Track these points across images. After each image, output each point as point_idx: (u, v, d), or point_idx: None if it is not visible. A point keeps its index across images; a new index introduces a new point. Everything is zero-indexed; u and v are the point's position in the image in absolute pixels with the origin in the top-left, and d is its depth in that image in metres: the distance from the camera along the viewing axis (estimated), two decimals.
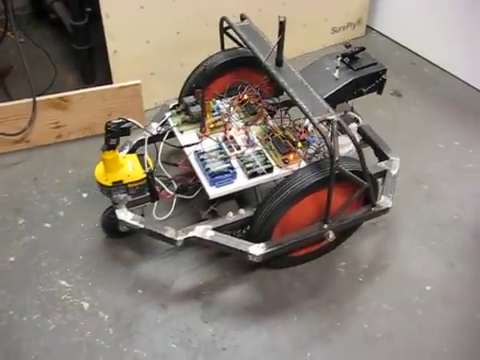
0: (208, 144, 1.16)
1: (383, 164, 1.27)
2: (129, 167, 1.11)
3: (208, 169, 1.09)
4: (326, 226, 1.10)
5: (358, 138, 1.25)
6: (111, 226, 1.17)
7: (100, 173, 1.10)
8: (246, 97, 1.27)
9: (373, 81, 1.21)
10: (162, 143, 1.22)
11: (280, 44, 1.12)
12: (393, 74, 1.35)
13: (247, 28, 1.26)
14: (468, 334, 1.12)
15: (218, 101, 1.28)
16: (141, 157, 1.15)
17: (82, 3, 1.50)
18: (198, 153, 1.14)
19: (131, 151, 1.21)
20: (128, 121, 1.05)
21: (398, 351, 1.08)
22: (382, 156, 1.29)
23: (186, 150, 1.16)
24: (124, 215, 1.09)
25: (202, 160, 1.12)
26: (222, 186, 1.09)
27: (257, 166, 1.10)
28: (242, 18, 1.30)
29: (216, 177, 1.08)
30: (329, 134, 1.00)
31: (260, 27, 1.28)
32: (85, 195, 1.37)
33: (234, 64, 1.30)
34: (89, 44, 1.58)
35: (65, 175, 1.42)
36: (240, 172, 1.11)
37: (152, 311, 1.12)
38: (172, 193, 1.18)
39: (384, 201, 1.18)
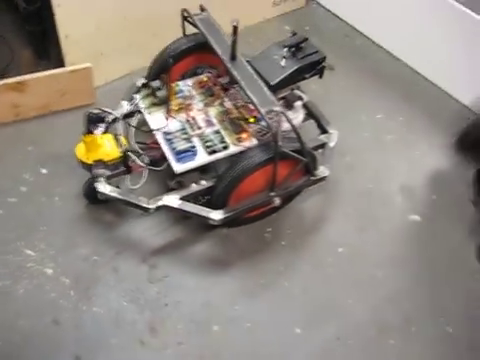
0: (173, 125, 1.36)
1: (323, 137, 1.49)
2: (107, 147, 1.30)
3: (174, 148, 1.30)
4: (273, 194, 1.34)
5: (303, 112, 1.47)
6: (92, 195, 1.36)
7: (81, 152, 1.30)
8: (205, 79, 1.46)
9: (314, 68, 1.42)
10: (133, 123, 1.41)
11: (234, 42, 1.30)
12: (328, 47, 1.48)
13: (205, 20, 1.42)
14: (367, 287, 1.38)
15: (181, 83, 1.46)
16: (117, 136, 1.34)
17: None
18: (165, 134, 1.34)
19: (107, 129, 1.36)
20: (104, 111, 1.29)
21: (312, 304, 1.33)
22: (323, 129, 1.51)
23: (154, 131, 1.35)
24: (103, 188, 1.29)
25: (168, 140, 1.32)
26: (186, 162, 1.29)
27: (215, 144, 1.32)
28: (202, 9, 1.45)
29: (181, 155, 1.29)
30: (274, 123, 1.20)
31: None
32: (44, 171, 1.53)
33: (195, 48, 1.47)
34: (42, 26, 1.67)
35: (25, 152, 1.56)
36: (201, 150, 1.31)
37: (107, 275, 1.33)
38: (144, 166, 1.36)
39: (322, 171, 1.41)
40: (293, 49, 1.39)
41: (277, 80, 1.35)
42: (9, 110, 1.60)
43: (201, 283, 1.34)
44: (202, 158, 1.31)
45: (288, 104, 1.46)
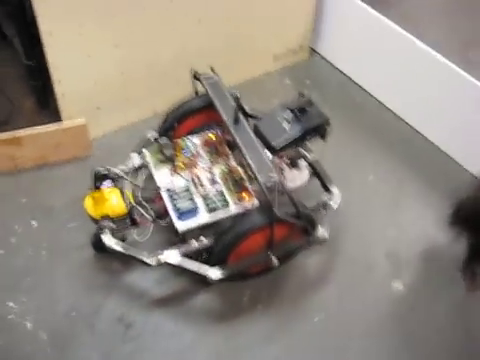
0: (178, 182, 1.41)
1: (325, 197, 1.51)
2: (113, 202, 1.35)
3: (177, 206, 1.35)
4: (270, 254, 1.37)
5: (308, 171, 1.51)
6: (99, 245, 1.40)
7: (89, 206, 1.35)
8: (212, 137, 1.52)
9: (318, 131, 1.44)
10: (142, 176, 1.46)
11: (236, 109, 1.36)
12: (327, 102, 1.51)
13: (213, 83, 1.49)
14: None
15: (188, 139, 1.51)
16: (123, 191, 1.38)
17: (34, 44, 1.59)
18: (169, 192, 1.38)
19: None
20: (110, 169, 1.36)
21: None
22: (326, 189, 1.54)
23: (160, 189, 1.40)
24: (108, 241, 1.34)
25: (172, 197, 1.37)
26: (187, 221, 1.34)
27: (216, 203, 1.36)
28: (212, 70, 1.52)
29: (183, 214, 1.34)
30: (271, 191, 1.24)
31: None
32: (34, 223, 1.56)
33: (205, 107, 1.53)
34: (42, 80, 1.70)
35: (19, 204, 1.60)
36: (202, 209, 1.36)
37: (83, 332, 1.34)
38: (150, 221, 1.39)
39: (322, 233, 1.42)
40: (297, 112, 1.42)
41: (282, 145, 1.38)
42: (6, 162, 1.67)
43: (174, 346, 1.35)
44: (203, 217, 1.35)
45: (293, 163, 1.50)
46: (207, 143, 1.50)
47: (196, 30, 1.79)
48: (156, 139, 1.52)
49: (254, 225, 1.30)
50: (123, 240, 1.41)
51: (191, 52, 1.79)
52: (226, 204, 1.36)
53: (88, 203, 1.35)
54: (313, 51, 2.26)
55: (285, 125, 1.41)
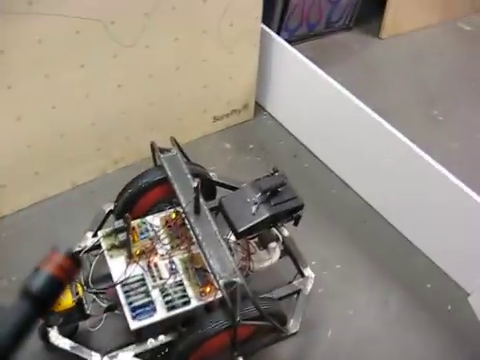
0: (134, 271, 1.25)
1: (296, 283, 1.38)
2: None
3: (130, 303, 1.20)
4: (235, 355, 1.24)
5: (279, 252, 1.37)
6: (46, 339, 1.26)
7: None
8: (173, 216, 1.35)
9: (290, 215, 1.30)
10: (94, 262, 1.31)
11: (196, 198, 1.21)
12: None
13: (171, 159, 1.35)
14: None
15: (148, 219, 1.35)
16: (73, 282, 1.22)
17: None
18: (123, 284, 1.23)
19: None
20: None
21: None
22: (299, 270, 1.41)
23: (113, 278, 1.24)
24: (55, 338, 1.22)
25: (126, 292, 1.22)
26: (143, 319, 1.19)
27: (175, 299, 1.21)
28: (174, 141, 1.39)
29: (137, 311, 1.19)
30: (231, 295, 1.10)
31: None
32: None
33: (164, 180, 1.37)
34: None
35: None
36: (160, 305, 1.21)
37: None
38: (101, 312, 1.26)
39: (293, 325, 1.29)
40: (268, 194, 1.28)
41: (243, 228, 1.24)
42: None
43: None
44: (160, 314, 1.20)
45: (263, 243, 1.36)
46: (168, 224, 1.35)
47: (116, 96, 1.62)
48: (110, 211, 1.39)
49: (217, 328, 1.16)
50: (74, 330, 1.29)
51: (112, 118, 1.63)
52: (187, 301, 1.21)
53: None
54: (261, 108, 2.11)
55: (253, 207, 1.26)
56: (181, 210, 1.32)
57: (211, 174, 1.51)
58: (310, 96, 1.87)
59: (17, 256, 1.49)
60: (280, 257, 1.39)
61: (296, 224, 1.32)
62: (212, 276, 1.20)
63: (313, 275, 1.38)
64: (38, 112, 1.51)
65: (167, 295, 1.21)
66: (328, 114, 1.84)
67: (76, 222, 1.45)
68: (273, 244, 1.36)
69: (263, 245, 1.36)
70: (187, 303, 1.21)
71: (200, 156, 1.68)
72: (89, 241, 1.35)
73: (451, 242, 1.58)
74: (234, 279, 1.12)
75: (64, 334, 1.24)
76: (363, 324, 1.52)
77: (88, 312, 1.26)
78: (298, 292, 1.36)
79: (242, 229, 1.24)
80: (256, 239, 1.37)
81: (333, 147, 1.88)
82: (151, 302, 1.20)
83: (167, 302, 1.20)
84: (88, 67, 1.49)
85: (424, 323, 1.53)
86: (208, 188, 1.49)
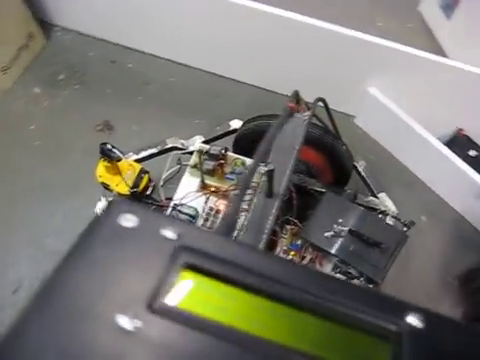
0: (194, 202, 1.12)
1: None
2: (125, 176, 1.15)
3: None
4: None
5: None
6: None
7: (100, 168, 1.17)
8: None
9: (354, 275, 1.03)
10: (167, 165, 1.20)
11: (270, 181, 0.98)
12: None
13: (302, 121, 1.08)
14: None
15: (245, 164, 1.17)
16: (142, 171, 1.18)
17: None
18: (174, 206, 1.11)
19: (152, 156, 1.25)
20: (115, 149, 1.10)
21: None
22: None
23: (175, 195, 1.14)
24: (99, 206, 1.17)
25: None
26: None
27: None
28: (322, 101, 1.16)
29: None
30: None
31: None
32: None
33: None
34: None
35: None
36: None
37: None
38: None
39: None
40: (364, 241, 1.00)
41: (306, 237, 1.05)
42: None
43: None
44: None
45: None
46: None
47: None
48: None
49: None
50: None
51: None
52: None
53: (100, 167, 1.16)
54: (52, 26, 1.73)
55: (332, 231, 1.01)
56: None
57: (359, 164, 1.27)
58: None
59: None
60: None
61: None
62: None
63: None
64: None
65: None
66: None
67: None
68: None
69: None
70: None
71: (14, 118, 1.55)
72: (195, 145, 1.22)
73: None
74: None
75: None
76: None
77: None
78: None
79: (303, 235, 1.04)
80: None
81: (153, 34, 1.63)
82: None
83: None
84: None
85: None
86: (345, 169, 1.25)
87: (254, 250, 0.38)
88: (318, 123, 1.18)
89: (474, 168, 1.45)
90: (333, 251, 1.00)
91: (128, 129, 1.58)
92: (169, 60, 1.74)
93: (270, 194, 0.99)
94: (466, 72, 1.43)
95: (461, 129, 1.60)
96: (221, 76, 1.73)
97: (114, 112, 1.60)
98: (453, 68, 1.45)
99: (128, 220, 0.36)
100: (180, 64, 1.74)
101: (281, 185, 0.97)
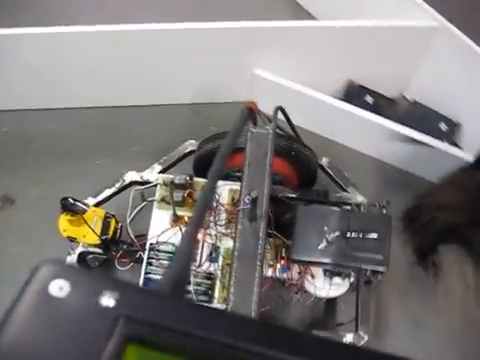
0: (171, 238, 1.07)
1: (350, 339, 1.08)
2: (91, 225, 1.07)
3: (147, 273, 1.04)
4: None
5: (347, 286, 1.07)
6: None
7: (63, 222, 1.08)
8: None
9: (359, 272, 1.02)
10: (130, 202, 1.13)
11: (254, 207, 0.98)
12: None
13: (261, 137, 1.06)
14: None
15: (219, 185, 1.11)
16: (108, 216, 1.10)
17: None
18: (151, 247, 1.06)
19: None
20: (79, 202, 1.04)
21: None
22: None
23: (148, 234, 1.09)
24: (70, 259, 1.10)
25: (149, 258, 1.05)
26: None
27: (199, 294, 1.02)
28: (281, 110, 1.12)
29: (149, 285, 1.03)
30: None
31: None
32: None
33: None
34: None
35: None
36: None
37: None
38: (129, 261, 1.11)
39: None
40: (353, 236, 0.99)
41: (298, 258, 1.04)
42: None
43: None
44: None
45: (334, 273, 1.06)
46: (235, 201, 1.08)
47: None
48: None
49: None
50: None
51: None
52: (209, 299, 1.02)
53: (63, 219, 1.07)
54: None
55: (323, 241, 0.99)
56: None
57: (323, 161, 1.25)
58: None
59: None
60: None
61: (367, 283, 1.06)
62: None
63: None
64: None
65: (193, 285, 1.01)
66: None
67: None
68: (339, 279, 1.06)
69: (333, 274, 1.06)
70: (209, 303, 1.01)
71: None
72: (152, 175, 1.16)
73: None
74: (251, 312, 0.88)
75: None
76: None
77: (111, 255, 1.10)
78: None
79: (296, 258, 1.02)
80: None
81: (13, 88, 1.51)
82: None
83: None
84: None
85: None
86: (311, 171, 1.24)
87: (206, 311, 0.33)
88: (279, 132, 1.15)
89: (375, 112, 1.48)
90: (329, 261, 0.99)
91: (29, 195, 1.45)
92: (43, 109, 1.58)
93: (254, 218, 0.96)
94: (338, 29, 1.44)
95: (352, 81, 1.64)
96: (105, 107, 1.57)
97: (9, 183, 1.47)
98: (324, 28, 1.45)
99: (60, 288, 0.30)
100: (56, 109, 1.58)
101: (262, 206, 0.95)
